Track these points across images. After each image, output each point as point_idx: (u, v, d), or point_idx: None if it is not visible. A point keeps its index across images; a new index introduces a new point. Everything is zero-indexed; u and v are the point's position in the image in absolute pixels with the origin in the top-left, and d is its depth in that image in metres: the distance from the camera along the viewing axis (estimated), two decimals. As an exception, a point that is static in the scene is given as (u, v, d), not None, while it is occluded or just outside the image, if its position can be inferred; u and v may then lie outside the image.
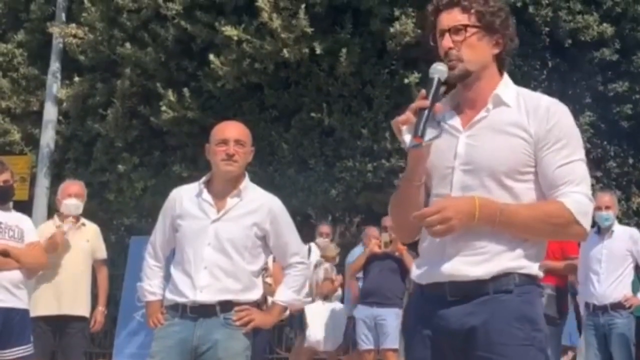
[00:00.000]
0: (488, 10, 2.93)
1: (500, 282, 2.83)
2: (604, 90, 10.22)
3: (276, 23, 9.91)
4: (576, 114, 2.62)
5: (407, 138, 2.78)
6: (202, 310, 4.57)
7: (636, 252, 8.12)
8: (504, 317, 2.81)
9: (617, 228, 8.23)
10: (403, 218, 3.00)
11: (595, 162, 9.91)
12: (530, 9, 9.72)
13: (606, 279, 8.00)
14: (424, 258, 2.98)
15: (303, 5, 9.86)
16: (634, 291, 8.07)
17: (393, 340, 7.96)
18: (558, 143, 2.85)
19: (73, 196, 7.70)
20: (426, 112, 2.76)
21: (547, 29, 9.92)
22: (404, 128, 2.79)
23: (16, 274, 6.40)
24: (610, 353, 8.04)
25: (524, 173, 2.87)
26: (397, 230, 3.10)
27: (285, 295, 4.89)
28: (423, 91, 2.81)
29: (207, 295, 4.56)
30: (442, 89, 2.88)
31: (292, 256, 4.87)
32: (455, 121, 2.94)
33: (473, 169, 2.86)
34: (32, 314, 7.23)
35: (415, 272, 3.00)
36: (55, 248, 7.30)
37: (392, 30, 9.58)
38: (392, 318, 7.97)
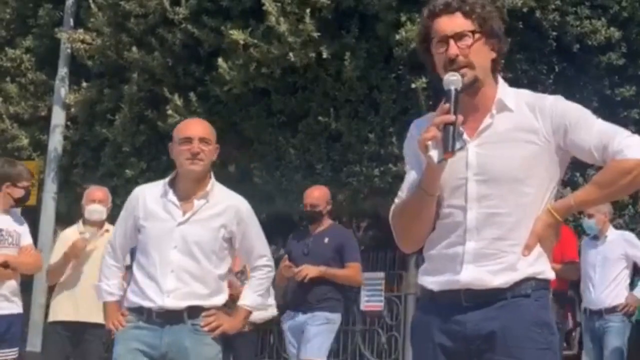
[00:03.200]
0: (488, 15, 2.91)
1: (518, 288, 2.84)
2: (611, 94, 10.20)
3: (283, 27, 9.92)
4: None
5: (434, 154, 2.75)
6: (169, 316, 4.48)
7: (632, 254, 8.14)
8: (523, 321, 2.82)
9: (612, 233, 8.26)
10: (414, 228, 2.98)
11: (602, 167, 9.88)
12: (537, 14, 9.71)
13: (600, 284, 8.06)
14: (435, 265, 2.95)
15: (308, 10, 9.86)
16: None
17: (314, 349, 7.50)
18: (579, 120, 2.89)
19: (97, 202, 7.70)
20: (452, 126, 2.74)
21: (554, 33, 9.91)
22: (430, 144, 2.75)
23: (13, 282, 6.53)
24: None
25: (537, 177, 2.88)
26: (402, 240, 3.05)
27: (250, 299, 4.84)
28: (446, 105, 2.77)
29: (174, 301, 4.48)
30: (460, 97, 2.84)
31: (258, 259, 4.81)
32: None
33: (487, 178, 2.86)
34: (51, 319, 7.32)
35: (425, 278, 2.98)
36: (76, 255, 7.30)
37: (398, 36, 9.57)
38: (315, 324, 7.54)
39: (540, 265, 2.88)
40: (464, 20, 2.89)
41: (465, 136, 2.90)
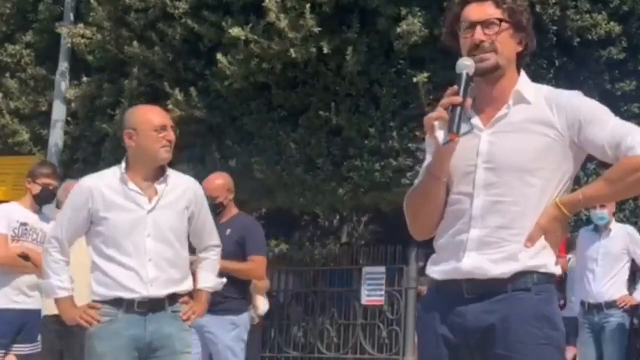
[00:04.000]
0: (518, 9, 2.96)
1: (519, 281, 2.84)
2: (611, 89, 10.22)
3: (283, 23, 9.92)
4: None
5: (440, 135, 2.78)
6: (152, 305, 4.48)
7: (633, 250, 8.12)
8: (523, 315, 2.81)
9: (615, 226, 8.24)
10: (425, 213, 3.01)
11: (604, 162, 9.89)
12: (538, 8, 9.71)
13: (602, 278, 8.02)
14: (442, 254, 2.97)
15: (309, 5, 9.86)
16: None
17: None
18: (594, 117, 2.89)
19: None
20: (459, 108, 2.77)
21: (554, 27, 9.92)
22: (437, 124, 2.78)
23: (32, 277, 6.49)
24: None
25: (547, 170, 2.88)
26: (414, 227, 3.07)
27: (209, 280, 4.90)
28: (454, 87, 2.81)
29: (157, 290, 4.50)
30: (472, 84, 2.89)
31: (212, 239, 4.88)
32: (475, 119, 2.94)
33: (496, 167, 2.87)
34: (43, 313, 7.31)
35: (432, 268, 3.00)
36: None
37: (399, 30, 9.58)
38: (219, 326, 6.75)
39: (543, 259, 2.88)
40: (495, 9, 2.93)
41: (477, 122, 2.92)
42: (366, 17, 10.20)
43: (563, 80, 9.79)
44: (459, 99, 2.78)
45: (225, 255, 6.10)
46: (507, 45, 2.95)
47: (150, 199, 4.59)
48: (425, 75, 9.34)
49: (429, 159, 3.03)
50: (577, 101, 2.93)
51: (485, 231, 2.86)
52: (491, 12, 2.93)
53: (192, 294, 4.78)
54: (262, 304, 8.78)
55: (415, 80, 9.42)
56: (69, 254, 4.73)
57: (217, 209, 6.69)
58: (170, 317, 4.53)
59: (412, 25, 9.48)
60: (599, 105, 2.96)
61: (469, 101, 2.84)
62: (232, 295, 6.63)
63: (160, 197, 4.60)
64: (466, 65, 2.86)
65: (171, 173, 4.70)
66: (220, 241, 5.03)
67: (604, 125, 2.87)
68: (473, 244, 2.86)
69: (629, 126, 2.90)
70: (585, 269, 8.07)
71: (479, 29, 2.91)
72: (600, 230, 8.11)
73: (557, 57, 10.13)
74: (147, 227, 4.54)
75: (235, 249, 6.69)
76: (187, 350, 4.59)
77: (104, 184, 4.63)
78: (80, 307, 4.63)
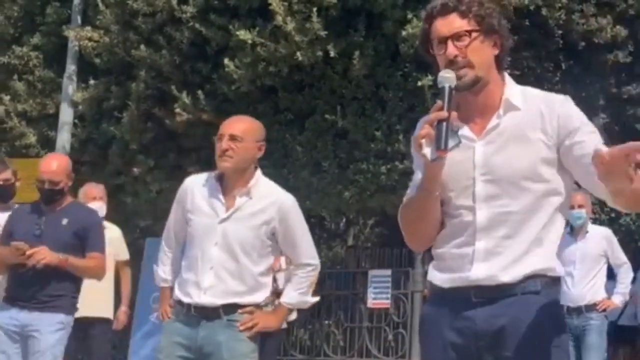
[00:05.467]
0: (486, 12, 2.90)
1: (528, 284, 2.83)
2: (617, 92, 10.23)
3: (290, 26, 9.95)
4: (590, 116, 2.62)
5: (427, 152, 2.75)
6: (205, 312, 4.53)
7: (611, 252, 8.07)
8: (533, 318, 2.81)
9: (591, 228, 8.19)
10: (419, 227, 2.98)
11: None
12: (544, 12, 9.73)
13: (580, 281, 7.96)
14: (446, 263, 2.95)
15: (315, 9, 9.89)
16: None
17: None
18: (586, 128, 2.86)
19: (97, 199, 7.72)
20: (445, 123, 2.73)
21: (560, 31, 9.93)
22: (424, 142, 2.75)
23: None
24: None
25: (546, 173, 2.87)
26: (411, 240, 3.05)
27: (291, 297, 4.81)
28: (438, 102, 2.77)
29: (210, 298, 4.52)
30: (454, 95, 2.84)
31: (301, 256, 4.75)
32: (466, 130, 2.91)
33: (495, 178, 2.85)
34: None
35: (435, 275, 2.98)
36: None
37: (404, 33, 9.60)
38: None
39: (551, 262, 2.89)
40: (461, 20, 2.88)
41: (468, 132, 2.90)
42: (372, 20, 10.22)
43: (569, 83, 9.81)
44: (444, 114, 2.74)
45: (61, 248, 5.96)
46: (481, 53, 2.89)
47: (228, 208, 4.60)
48: (430, 78, 9.36)
49: (418, 174, 3.01)
50: (570, 109, 2.90)
51: (492, 242, 2.85)
52: (458, 24, 2.87)
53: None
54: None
55: (420, 83, 9.45)
56: (176, 246, 4.86)
57: (53, 197, 6.06)
58: (224, 325, 4.52)
59: (418, 28, 9.49)
60: (585, 119, 2.91)
61: (454, 114, 2.78)
62: (68, 294, 6.16)
63: (236, 209, 4.59)
64: (446, 77, 2.82)
65: (260, 185, 4.68)
66: (316, 260, 4.83)
67: (596, 139, 2.83)
68: (480, 255, 2.86)
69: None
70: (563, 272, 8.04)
71: (449, 43, 2.86)
72: (576, 232, 8.05)
73: (563, 61, 10.14)
74: (216, 236, 4.56)
75: (73, 242, 6.10)
76: (241, 359, 4.55)
77: (198, 186, 4.72)
78: (165, 301, 4.79)
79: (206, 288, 4.53)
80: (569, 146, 2.85)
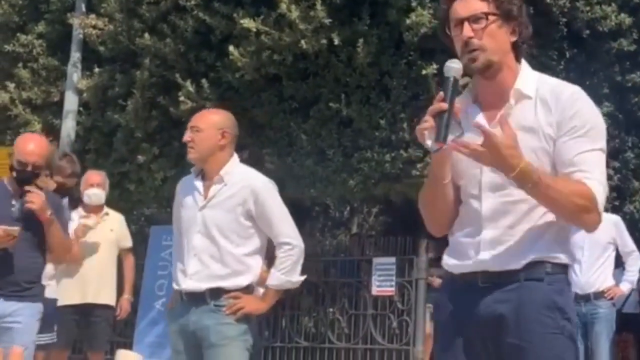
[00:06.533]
0: None
1: (531, 271, 2.86)
2: (621, 80, 10.22)
3: (294, 14, 9.95)
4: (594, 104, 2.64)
5: (429, 143, 2.77)
6: (193, 298, 4.70)
7: (620, 240, 8.06)
8: (534, 304, 2.84)
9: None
10: (434, 212, 3.05)
11: (613, 153, 9.91)
12: (548, 0, 9.71)
13: (589, 268, 7.96)
14: (457, 250, 3.00)
15: (320, -3, 9.89)
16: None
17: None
18: (580, 130, 2.84)
19: (96, 186, 7.77)
20: (446, 115, 2.74)
21: (564, 19, 9.91)
22: (426, 133, 2.77)
23: (48, 266, 6.51)
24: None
25: (549, 164, 2.89)
26: (429, 225, 3.11)
27: (274, 277, 4.86)
28: (441, 93, 2.78)
29: (195, 283, 4.68)
30: (461, 83, 2.86)
31: (278, 236, 4.82)
32: (480, 118, 2.93)
33: None
34: (58, 303, 7.35)
35: (447, 261, 3.03)
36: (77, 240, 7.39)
37: (408, 21, 9.59)
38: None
39: (556, 249, 2.91)
40: (480, 2, 2.89)
41: (482, 119, 2.91)
42: (376, 8, 10.21)
43: (573, 71, 9.79)
44: (444, 106, 2.74)
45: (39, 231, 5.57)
46: (498, 38, 2.90)
47: (206, 196, 4.78)
48: (435, 67, 9.35)
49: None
50: (576, 106, 2.88)
51: (498, 231, 2.89)
52: (477, 6, 2.88)
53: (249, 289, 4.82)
54: None
55: (424, 72, 9.44)
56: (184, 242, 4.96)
57: (31, 179, 5.70)
58: (211, 310, 4.67)
59: (422, 16, 9.49)
60: (596, 121, 2.89)
61: (457, 106, 2.79)
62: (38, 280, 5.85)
63: (212, 196, 4.77)
64: (452, 67, 2.82)
65: (233, 172, 4.81)
66: (295, 239, 4.84)
67: (585, 145, 2.83)
68: (486, 244, 2.90)
69: (601, 167, 2.85)
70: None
71: (466, 25, 2.87)
72: None
73: (567, 49, 10.12)
74: (198, 224, 4.75)
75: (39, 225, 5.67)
76: (223, 342, 4.64)
77: (184, 183, 4.98)
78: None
79: (191, 274, 4.70)
80: (558, 145, 2.87)
